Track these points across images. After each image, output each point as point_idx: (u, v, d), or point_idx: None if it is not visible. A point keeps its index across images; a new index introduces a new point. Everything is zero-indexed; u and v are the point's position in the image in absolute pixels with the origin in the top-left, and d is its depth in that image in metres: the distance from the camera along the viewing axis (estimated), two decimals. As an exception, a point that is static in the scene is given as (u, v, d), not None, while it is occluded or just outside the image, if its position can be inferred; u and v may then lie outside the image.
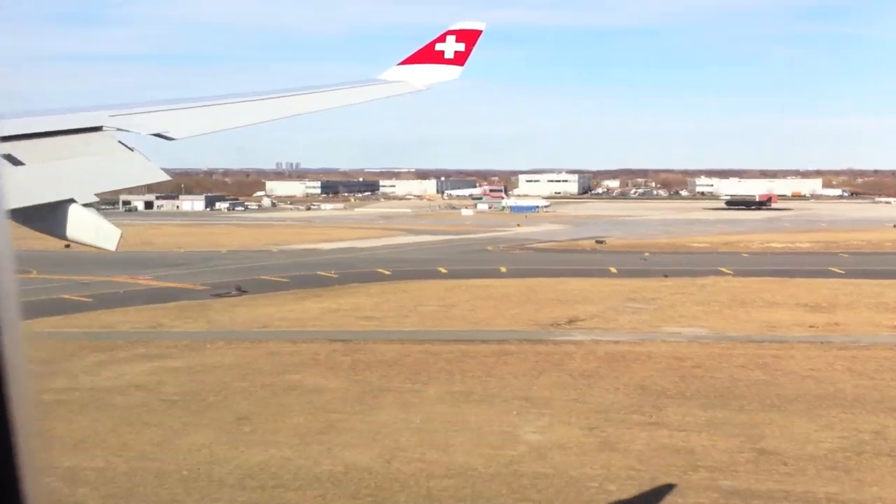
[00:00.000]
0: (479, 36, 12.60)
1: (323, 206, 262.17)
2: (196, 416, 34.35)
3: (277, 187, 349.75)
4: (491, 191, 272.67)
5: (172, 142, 8.67)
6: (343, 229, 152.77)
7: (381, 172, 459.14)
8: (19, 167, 6.99)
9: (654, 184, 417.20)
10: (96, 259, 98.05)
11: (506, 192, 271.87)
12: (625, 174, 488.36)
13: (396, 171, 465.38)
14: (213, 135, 9.64)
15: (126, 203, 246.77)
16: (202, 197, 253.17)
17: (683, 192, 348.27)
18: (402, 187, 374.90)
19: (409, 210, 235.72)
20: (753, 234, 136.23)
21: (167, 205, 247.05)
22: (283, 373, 41.50)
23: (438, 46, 12.52)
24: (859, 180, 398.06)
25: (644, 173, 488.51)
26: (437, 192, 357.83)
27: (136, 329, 54.38)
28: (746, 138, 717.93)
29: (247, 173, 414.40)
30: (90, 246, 7.04)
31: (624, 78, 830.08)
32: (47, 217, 6.86)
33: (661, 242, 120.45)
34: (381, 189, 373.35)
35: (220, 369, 42.48)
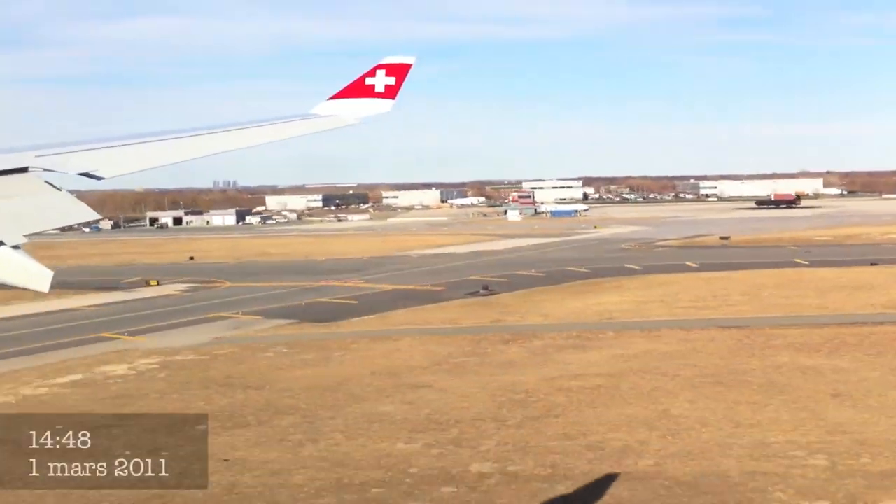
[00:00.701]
0: (409, 70, 12.83)
1: (350, 217, 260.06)
2: (784, 395, 33.58)
3: (277, 202, 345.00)
4: (520, 197, 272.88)
5: (104, 180, 8.84)
6: (430, 236, 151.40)
7: (322, 187, 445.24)
8: None
9: (627, 189, 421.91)
10: (265, 268, 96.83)
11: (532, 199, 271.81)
12: (593, 181, 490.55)
13: (339, 185, 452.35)
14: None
15: (154, 220, 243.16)
16: (232, 211, 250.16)
17: (688, 196, 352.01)
18: (404, 198, 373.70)
19: (445, 218, 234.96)
20: (843, 228, 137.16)
21: (196, 220, 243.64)
22: (753, 357, 40.82)
23: (369, 81, 12.74)
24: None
25: (611, 180, 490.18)
26: (441, 201, 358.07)
27: (482, 324, 53.31)
28: (697, 145, 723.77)
29: (186, 191, 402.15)
30: (21, 288, 6.79)
31: (557, 89, 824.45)
32: None
33: (783, 237, 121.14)
34: (385, 200, 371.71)
35: (684, 354, 41.67)
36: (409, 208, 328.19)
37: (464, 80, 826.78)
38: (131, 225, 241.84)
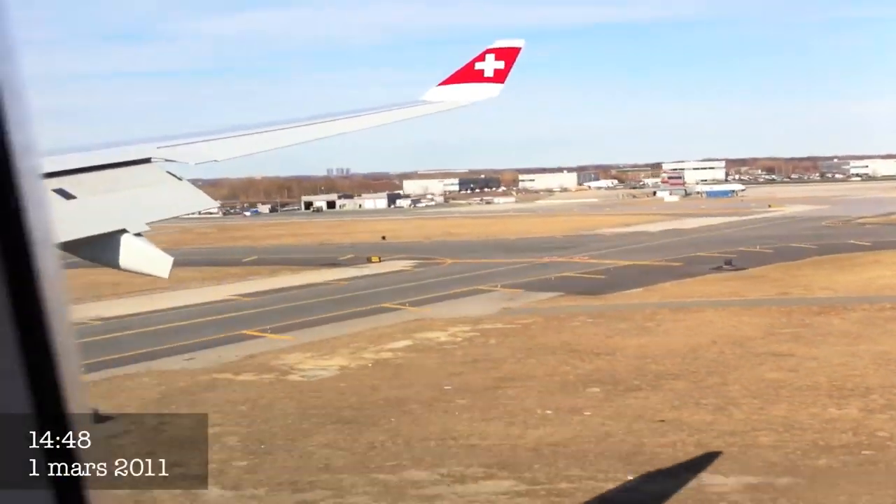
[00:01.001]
0: (518, 53, 12.64)
1: (496, 199, 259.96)
2: None
3: (419, 185, 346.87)
4: (669, 178, 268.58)
5: (218, 162, 9.09)
6: (599, 217, 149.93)
7: (434, 173, 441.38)
8: (71, 200, 7.06)
9: (760, 170, 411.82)
10: (466, 246, 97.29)
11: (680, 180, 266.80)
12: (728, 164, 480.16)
13: (451, 171, 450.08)
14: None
15: (309, 204, 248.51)
16: (384, 195, 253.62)
17: (837, 175, 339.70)
18: (540, 181, 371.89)
19: (595, 200, 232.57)
20: None
21: (349, 204, 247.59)
22: None
23: (478, 65, 12.59)
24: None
25: (742, 162, 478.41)
26: (578, 184, 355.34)
27: (769, 297, 51.68)
28: (824, 125, 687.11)
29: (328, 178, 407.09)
30: (143, 274, 6.96)
31: (673, 71, 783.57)
32: (100, 248, 6.84)
33: None
34: (521, 184, 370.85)
35: None
36: (550, 191, 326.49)
37: (574, 63, 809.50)
38: (285, 209, 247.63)
